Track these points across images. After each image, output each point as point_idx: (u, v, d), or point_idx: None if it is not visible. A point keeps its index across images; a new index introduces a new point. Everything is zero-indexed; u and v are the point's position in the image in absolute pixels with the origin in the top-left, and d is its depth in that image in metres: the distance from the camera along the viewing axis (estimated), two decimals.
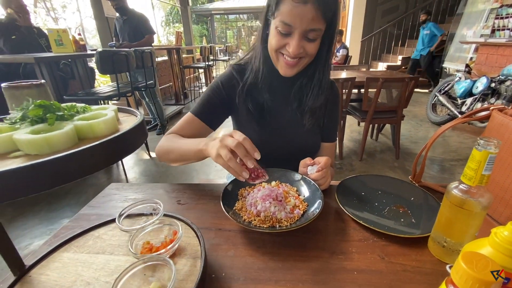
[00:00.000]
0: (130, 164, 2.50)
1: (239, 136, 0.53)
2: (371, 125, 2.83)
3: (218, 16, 13.83)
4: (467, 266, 0.26)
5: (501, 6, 3.76)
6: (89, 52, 2.31)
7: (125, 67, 2.17)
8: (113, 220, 0.54)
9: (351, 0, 6.62)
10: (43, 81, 0.35)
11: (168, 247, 0.43)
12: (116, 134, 0.29)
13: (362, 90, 2.40)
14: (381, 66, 6.35)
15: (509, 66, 2.68)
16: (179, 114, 4.13)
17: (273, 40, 0.66)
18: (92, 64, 2.89)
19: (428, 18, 5.11)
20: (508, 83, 2.63)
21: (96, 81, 4.83)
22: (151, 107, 3.21)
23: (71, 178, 0.26)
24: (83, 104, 0.35)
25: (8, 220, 1.70)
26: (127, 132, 0.31)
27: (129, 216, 0.53)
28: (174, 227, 0.48)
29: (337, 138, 2.68)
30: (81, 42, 2.26)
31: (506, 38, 3.59)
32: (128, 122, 0.37)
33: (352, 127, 3.54)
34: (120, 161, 2.29)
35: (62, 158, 0.24)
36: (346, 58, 4.57)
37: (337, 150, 2.66)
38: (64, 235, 0.53)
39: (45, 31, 2.46)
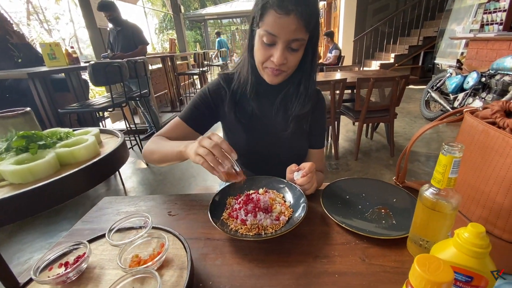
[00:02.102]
0: (128, 173, 2.52)
1: (217, 138, 0.57)
2: (365, 124, 2.86)
3: (211, 21, 13.90)
4: (420, 269, 0.28)
5: (489, 1, 3.81)
6: (82, 64, 2.33)
7: (119, 77, 2.20)
8: (104, 235, 0.56)
9: (342, 0, 6.69)
10: (28, 108, 0.37)
11: (155, 259, 0.45)
12: (96, 159, 0.31)
13: (355, 91, 2.43)
14: (375, 65, 6.40)
15: (498, 60, 2.72)
16: None
17: (258, 52, 0.69)
18: (86, 76, 2.93)
19: None
20: (498, 77, 2.67)
21: (91, 91, 4.86)
22: (147, 116, 3.24)
23: (54, 204, 0.28)
24: (66, 129, 0.37)
25: (8, 235, 1.71)
26: (107, 156, 0.33)
27: (119, 230, 0.55)
28: (161, 240, 0.50)
29: (332, 139, 2.70)
30: (74, 55, 2.29)
31: (495, 32, 3.63)
32: (110, 144, 0.39)
33: (348, 126, 3.57)
34: (117, 172, 2.31)
35: (44, 186, 0.26)
36: (339, 58, 4.61)
37: (333, 150, 2.69)
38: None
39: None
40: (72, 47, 2.33)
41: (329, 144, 2.95)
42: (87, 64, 2.05)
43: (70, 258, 0.50)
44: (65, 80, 2.50)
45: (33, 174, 0.27)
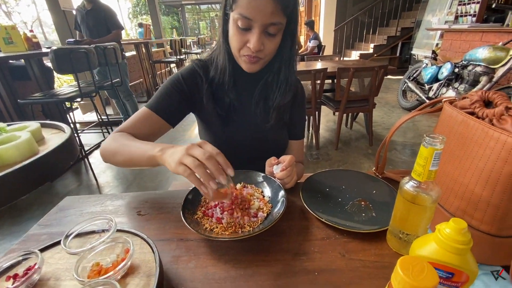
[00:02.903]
0: (101, 168, 2.39)
1: (211, 148, 0.48)
2: (345, 114, 2.89)
3: (189, 7, 13.32)
4: (403, 273, 0.26)
5: None
6: (44, 50, 2.13)
7: (86, 65, 2.03)
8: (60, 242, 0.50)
9: None
10: None
11: (118, 267, 0.40)
12: (30, 160, 0.26)
13: (336, 80, 2.43)
14: (354, 55, 6.48)
15: (471, 52, 2.82)
16: None
17: (233, 38, 0.64)
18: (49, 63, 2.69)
19: None
20: (470, 67, 2.78)
21: (59, 80, 4.52)
22: (124, 106, 3.03)
23: None
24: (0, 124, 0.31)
25: None
26: (46, 155, 0.27)
27: (79, 235, 0.49)
28: (127, 245, 0.46)
29: (313, 129, 2.70)
30: (34, 40, 2.08)
31: (468, 24, 3.76)
32: (55, 140, 0.33)
33: (328, 116, 3.60)
34: (89, 166, 2.18)
35: None
36: (319, 48, 4.60)
37: (314, 141, 2.71)
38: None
39: None
40: (31, 31, 2.11)
41: (310, 135, 2.96)
42: (48, 50, 1.86)
43: (20, 270, 0.44)
44: (25, 67, 2.28)
45: None
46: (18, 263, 0.45)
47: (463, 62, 2.88)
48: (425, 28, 4.73)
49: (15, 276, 0.42)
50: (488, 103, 0.51)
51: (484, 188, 0.43)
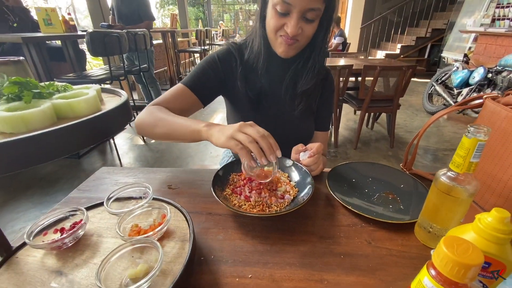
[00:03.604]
0: (124, 149, 2.49)
1: (263, 129, 0.52)
2: (367, 114, 2.83)
3: None
4: (448, 250, 0.26)
5: None
6: (79, 33, 2.22)
7: (118, 49, 2.10)
8: (102, 203, 0.54)
9: None
10: (21, 58, 0.34)
11: (156, 229, 0.43)
12: (97, 114, 0.28)
13: (360, 78, 2.38)
14: (380, 55, 6.28)
15: (507, 57, 2.67)
16: None
17: (271, 20, 0.65)
18: (83, 46, 2.80)
19: None
20: (504, 73, 2.63)
21: (88, 63, 4.70)
22: (149, 92, 3.11)
23: (49, 158, 0.25)
24: (64, 83, 0.34)
25: (1, 204, 1.69)
26: (109, 112, 0.30)
27: (118, 199, 0.53)
28: (163, 211, 0.48)
29: (333, 127, 2.67)
30: (71, 23, 2.17)
31: (505, 28, 3.55)
32: (112, 103, 0.36)
33: (349, 115, 3.54)
34: (114, 147, 2.27)
35: (37, 136, 0.23)
36: (344, 45, 4.50)
37: (333, 139, 2.67)
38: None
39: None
40: (69, 14, 2.21)
41: (329, 132, 2.92)
42: (84, 33, 1.95)
43: (66, 224, 0.47)
44: (61, 49, 2.39)
45: (26, 123, 0.24)
46: (65, 218, 0.49)
47: (497, 67, 2.74)
48: (458, 30, 4.50)
49: (62, 230, 0.46)
50: None
51: None
